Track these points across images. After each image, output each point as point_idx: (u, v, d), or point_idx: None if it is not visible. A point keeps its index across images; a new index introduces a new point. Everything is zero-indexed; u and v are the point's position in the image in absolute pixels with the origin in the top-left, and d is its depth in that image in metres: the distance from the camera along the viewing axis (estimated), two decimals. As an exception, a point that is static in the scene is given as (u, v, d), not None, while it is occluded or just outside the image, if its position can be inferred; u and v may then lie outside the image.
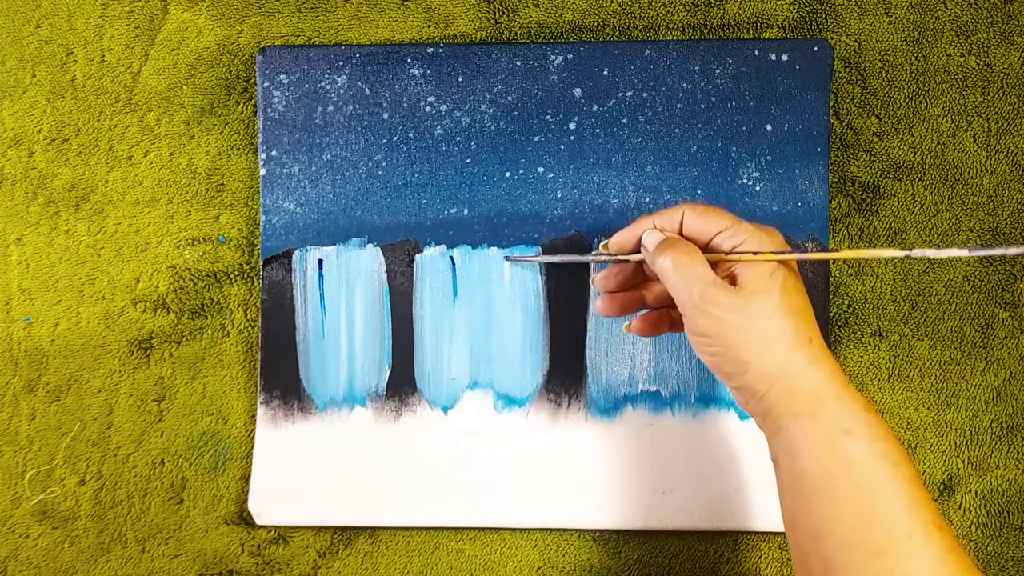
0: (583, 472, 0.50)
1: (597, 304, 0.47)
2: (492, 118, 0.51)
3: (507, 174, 0.51)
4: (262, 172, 0.51)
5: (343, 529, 0.52)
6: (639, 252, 0.43)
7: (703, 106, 0.50)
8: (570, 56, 0.51)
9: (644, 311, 0.46)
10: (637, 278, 0.46)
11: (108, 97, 0.53)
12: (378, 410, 0.51)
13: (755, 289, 0.38)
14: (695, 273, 0.39)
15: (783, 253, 0.40)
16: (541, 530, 0.51)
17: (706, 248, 0.41)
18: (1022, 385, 0.51)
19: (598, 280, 0.47)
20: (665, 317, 0.46)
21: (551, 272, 0.51)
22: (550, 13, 0.52)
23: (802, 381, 0.37)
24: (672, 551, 0.51)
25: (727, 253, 0.40)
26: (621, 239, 0.44)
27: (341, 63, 0.51)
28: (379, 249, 0.51)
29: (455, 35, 0.52)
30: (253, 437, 0.51)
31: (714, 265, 0.40)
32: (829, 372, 0.37)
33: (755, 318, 0.38)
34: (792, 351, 0.37)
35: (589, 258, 0.49)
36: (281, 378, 0.51)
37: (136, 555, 0.52)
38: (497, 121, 0.51)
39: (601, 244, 0.45)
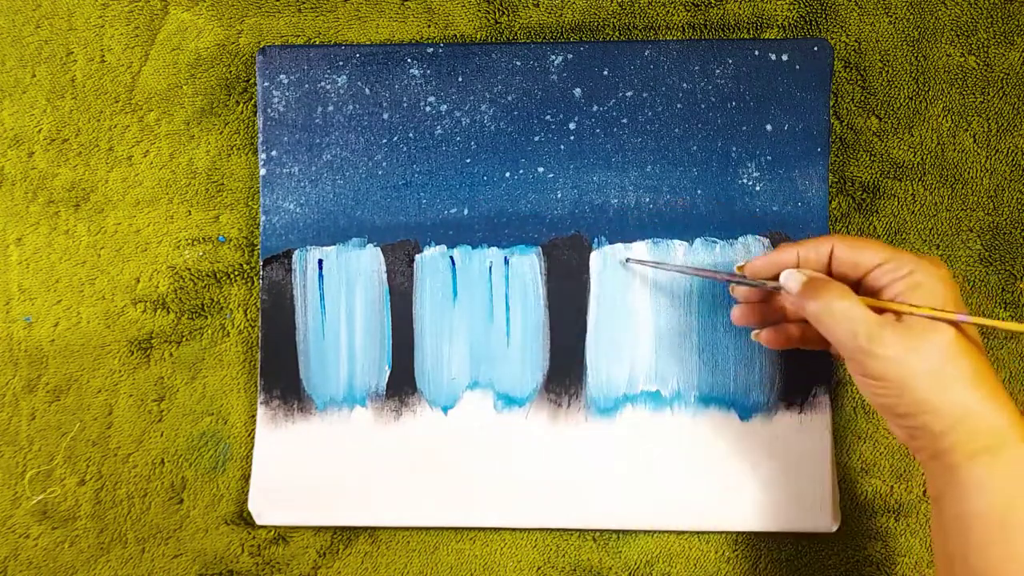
0: (583, 472, 0.50)
1: (734, 314, 0.46)
2: (492, 118, 0.51)
3: (507, 174, 0.51)
4: (262, 172, 0.51)
5: (343, 529, 0.52)
6: (776, 279, 0.42)
7: (703, 106, 0.50)
8: (570, 56, 0.51)
9: (786, 323, 0.45)
10: (777, 297, 0.45)
11: (108, 97, 0.53)
12: (378, 410, 0.51)
13: (927, 326, 0.37)
14: (855, 316, 0.37)
15: (953, 313, 0.37)
16: (541, 530, 0.51)
17: (861, 282, 0.40)
18: (1022, 385, 0.51)
19: (740, 290, 0.45)
20: (805, 333, 0.44)
21: (551, 272, 0.51)
22: (550, 13, 0.52)
23: (982, 420, 0.36)
24: (672, 551, 0.51)
25: (886, 297, 0.38)
26: (758, 265, 0.43)
27: (341, 63, 0.51)
28: (379, 249, 0.51)
29: (455, 35, 0.52)
30: (253, 437, 0.51)
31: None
32: (1011, 410, 0.36)
33: (930, 357, 0.36)
34: (971, 389, 0.36)
35: (720, 276, 0.46)
36: (281, 378, 0.51)
37: (136, 555, 0.52)
38: (497, 121, 0.51)
39: (736, 266, 0.45)
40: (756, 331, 0.45)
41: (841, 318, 0.38)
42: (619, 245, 0.50)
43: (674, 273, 0.50)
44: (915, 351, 0.36)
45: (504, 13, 0.52)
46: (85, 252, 0.53)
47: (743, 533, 0.51)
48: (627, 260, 0.50)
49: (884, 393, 0.37)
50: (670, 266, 0.49)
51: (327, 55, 0.51)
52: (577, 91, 0.51)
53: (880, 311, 0.38)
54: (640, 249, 0.50)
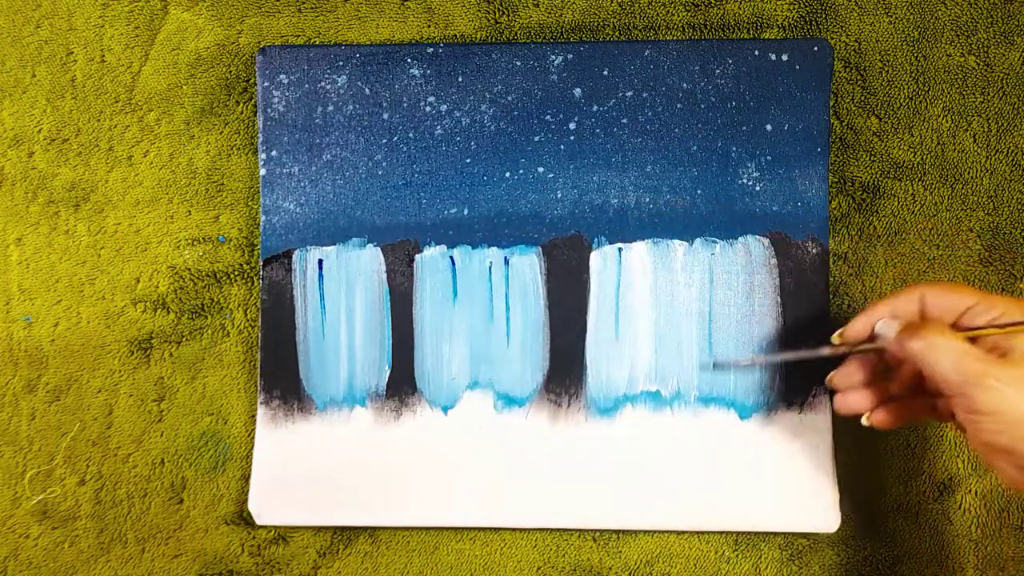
0: (583, 472, 0.50)
1: (837, 403, 0.44)
2: (492, 118, 0.51)
3: (507, 174, 0.51)
4: (262, 172, 0.51)
5: (343, 529, 0.52)
6: (873, 340, 0.42)
7: (703, 106, 0.50)
8: (570, 56, 0.51)
9: (886, 403, 0.44)
10: (878, 367, 0.44)
11: (108, 97, 0.53)
12: (378, 410, 0.51)
13: None
14: (960, 350, 0.37)
15: None
16: (541, 530, 0.51)
17: (954, 326, 0.40)
18: (1022, 385, 0.51)
19: (838, 379, 0.44)
20: (914, 406, 0.43)
21: (551, 272, 0.51)
22: (550, 13, 0.52)
23: None
24: (672, 551, 0.51)
25: (987, 326, 0.38)
26: (857, 330, 0.42)
27: (341, 63, 0.51)
28: (379, 249, 0.51)
29: (455, 35, 0.52)
30: (253, 437, 0.51)
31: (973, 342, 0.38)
32: None
33: None
34: None
35: (821, 353, 0.45)
36: (281, 378, 0.51)
37: (136, 555, 0.52)
38: (497, 121, 0.51)
39: (835, 336, 0.44)
40: (867, 415, 0.44)
41: (945, 354, 0.38)
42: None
43: (677, 279, 0.50)
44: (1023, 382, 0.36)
45: (504, 13, 0.52)
46: (85, 252, 0.53)
47: (743, 533, 0.51)
48: (714, 366, 0.50)
49: (995, 428, 0.37)
50: (765, 358, 0.49)
51: (327, 55, 0.51)
52: (577, 91, 0.51)
53: (974, 341, 0.39)
54: (640, 249, 0.50)
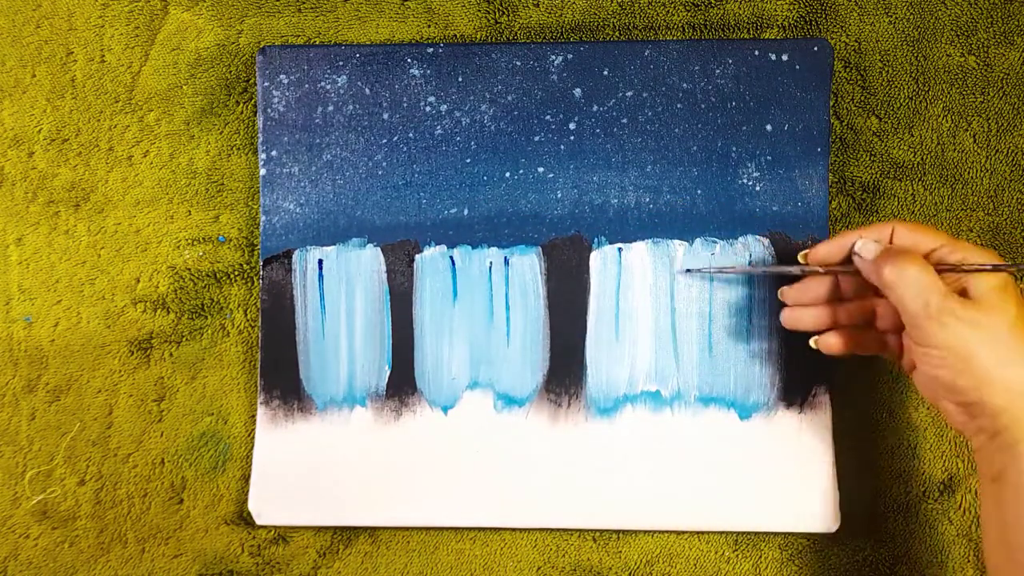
0: (583, 472, 0.50)
1: (784, 316, 0.46)
2: (492, 118, 0.51)
3: (507, 174, 0.51)
4: (262, 172, 0.51)
5: (343, 529, 0.52)
6: (844, 264, 0.43)
7: (703, 106, 0.50)
8: (570, 56, 0.51)
9: (838, 328, 0.45)
10: (833, 293, 0.45)
11: (108, 97, 0.53)
12: (378, 410, 0.51)
13: (992, 303, 0.38)
14: (928, 283, 0.39)
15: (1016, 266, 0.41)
16: (541, 530, 0.51)
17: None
18: None
19: (791, 292, 0.46)
20: (865, 338, 0.45)
21: (551, 272, 0.51)
22: (550, 13, 0.52)
23: None
24: (672, 551, 0.51)
25: (958, 266, 0.40)
26: (826, 251, 0.44)
27: (341, 63, 0.51)
28: (379, 249, 0.51)
29: (455, 35, 0.52)
30: (253, 437, 0.51)
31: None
32: None
33: (995, 331, 0.38)
34: None
35: (787, 269, 0.47)
36: (281, 378, 0.51)
37: (136, 555, 0.52)
38: (497, 121, 0.51)
39: (800, 255, 0.45)
40: (814, 337, 0.45)
41: (913, 284, 0.39)
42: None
43: (677, 279, 0.50)
44: (979, 324, 0.38)
45: (504, 13, 0.52)
46: (85, 252, 0.53)
47: (743, 533, 0.51)
48: (686, 271, 0.50)
49: (945, 364, 0.38)
50: (732, 268, 0.49)
51: (327, 55, 0.51)
52: (577, 91, 0.51)
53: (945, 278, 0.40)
54: (640, 249, 0.50)
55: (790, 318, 0.46)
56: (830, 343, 0.45)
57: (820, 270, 0.45)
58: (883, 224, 0.43)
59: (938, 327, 0.38)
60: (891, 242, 0.42)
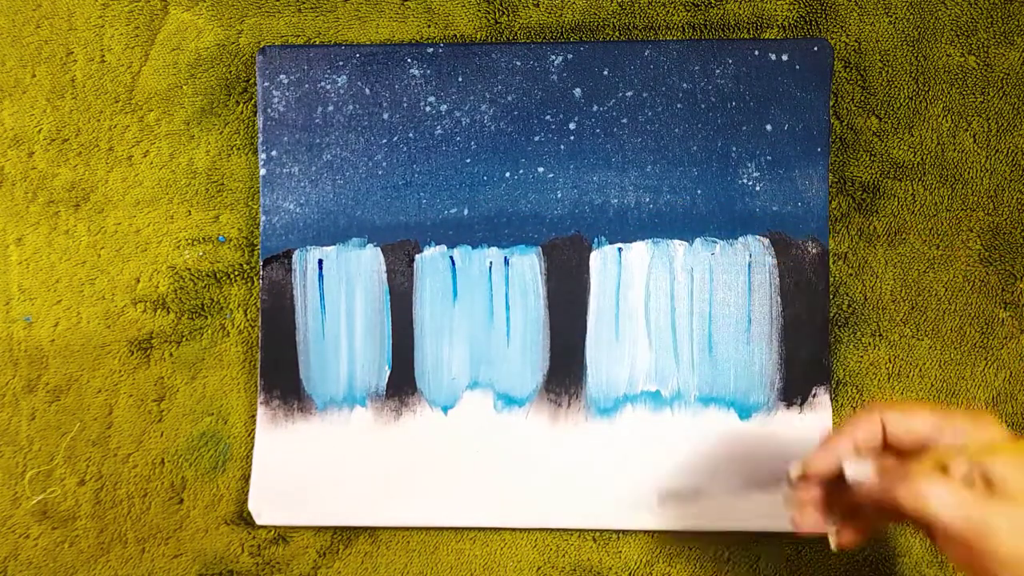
0: (583, 472, 0.50)
1: (797, 521, 0.41)
2: (492, 118, 0.51)
3: (507, 174, 0.51)
4: (262, 172, 0.51)
5: (343, 529, 0.52)
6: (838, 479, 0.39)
7: (703, 106, 0.50)
8: (570, 56, 0.51)
9: (844, 522, 0.41)
10: (834, 496, 0.41)
11: (108, 97, 0.53)
12: (378, 410, 0.51)
13: (1020, 487, 0.34)
14: (959, 496, 0.34)
15: None
16: (541, 530, 0.51)
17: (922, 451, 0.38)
18: (1022, 385, 0.51)
19: (801, 520, 0.41)
20: (879, 516, 0.40)
21: (551, 272, 0.51)
22: (550, 13, 0.52)
23: None
24: (672, 551, 0.51)
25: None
26: (818, 466, 0.40)
27: (341, 63, 0.51)
28: (379, 249, 0.51)
29: (455, 35, 0.52)
30: (253, 437, 0.51)
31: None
32: None
33: None
34: None
35: (787, 492, 0.42)
36: (281, 378, 0.51)
37: (136, 555, 0.52)
38: (497, 121, 0.51)
39: (794, 475, 0.41)
40: (833, 540, 0.41)
41: (943, 501, 0.35)
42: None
43: (677, 279, 0.50)
44: (1012, 517, 0.34)
45: (504, 13, 0.52)
46: (85, 252, 0.53)
47: (743, 533, 0.51)
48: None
49: (979, 566, 0.35)
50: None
51: (327, 55, 0.51)
52: (577, 91, 0.51)
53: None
54: (640, 249, 0.50)
55: (803, 523, 0.41)
56: (850, 540, 0.41)
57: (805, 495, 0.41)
58: (869, 416, 0.39)
59: (991, 541, 0.34)
60: (884, 435, 0.39)
